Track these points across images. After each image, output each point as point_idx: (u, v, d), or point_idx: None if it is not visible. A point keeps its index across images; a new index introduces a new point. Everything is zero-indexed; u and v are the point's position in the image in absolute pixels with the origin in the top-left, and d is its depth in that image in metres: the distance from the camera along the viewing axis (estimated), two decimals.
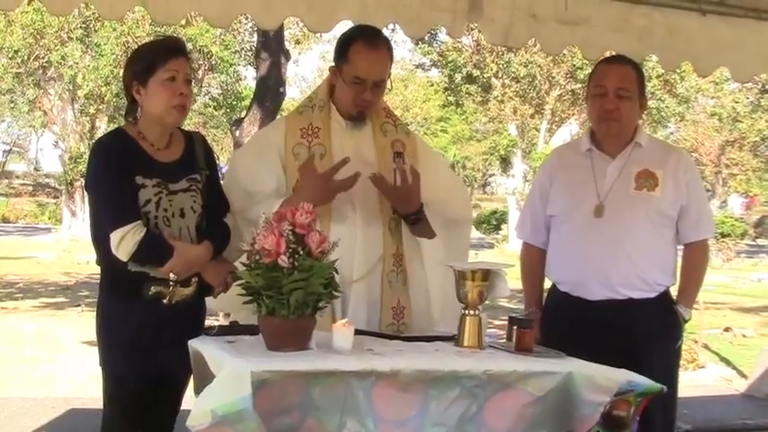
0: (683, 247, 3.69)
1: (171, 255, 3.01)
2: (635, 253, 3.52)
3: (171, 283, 3.06)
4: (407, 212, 3.32)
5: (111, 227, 2.98)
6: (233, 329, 2.96)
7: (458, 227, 3.57)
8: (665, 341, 3.58)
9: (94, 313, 3.22)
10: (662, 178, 3.55)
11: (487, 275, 2.94)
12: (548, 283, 3.80)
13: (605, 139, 3.63)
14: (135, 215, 2.99)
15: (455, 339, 2.97)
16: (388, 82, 3.36)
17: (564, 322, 3.51)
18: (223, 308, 3.33)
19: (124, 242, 2.96)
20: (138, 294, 3.05)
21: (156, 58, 3.06)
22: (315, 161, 3.24)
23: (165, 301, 3.07)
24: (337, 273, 2.72)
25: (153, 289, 3.05)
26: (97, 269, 3.19)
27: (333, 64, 3.37)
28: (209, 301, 3.26)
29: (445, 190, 3.53)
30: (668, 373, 3.55)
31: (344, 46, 3.32)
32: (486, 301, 3.02)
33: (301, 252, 2.61)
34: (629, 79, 3.57)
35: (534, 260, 3.80)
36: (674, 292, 3.67)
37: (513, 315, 3.14)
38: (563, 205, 3.69)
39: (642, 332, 3.51)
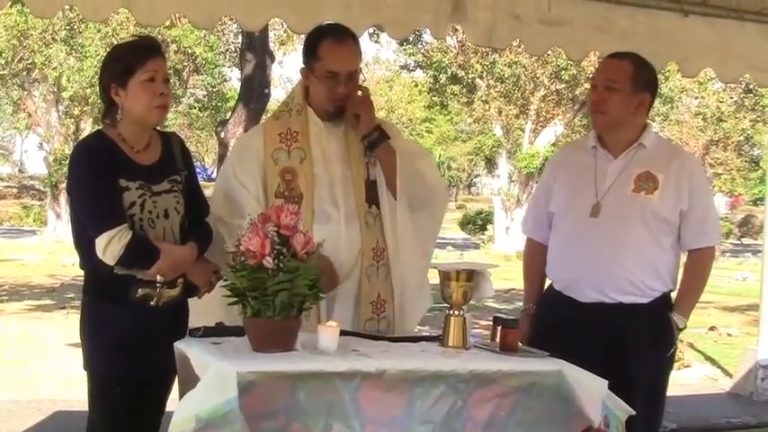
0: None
1: (158, 257, 3.01)
2: (627, 256, 3.47)
3: (158, 284, 3.05)
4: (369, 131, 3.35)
5: (97, 231, 2.97)
6: (219, 331, 2.96)
7: (428, 204, 3.52)
8: (655, 348, 3.51)
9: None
10: (663, 182, 3.49)
11: (472, 276, 2.96)
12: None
13: (605, 136, 3.60)
14: (120, 218, 2.98)
15: (440, 339, 2.98)
16: (361, 75, 3.39)
17: (554, 321, 3.49)
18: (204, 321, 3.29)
19: (111, 246, 2.95)
20: (124, 297, 3.04)
21: (134, 60, 3.06)
22: (295, 164, 3.30)
23: (152, 303, 3.06)
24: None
25: (140, 291, 3.05)
26: (82, 272, 3.17)
27: (303, 66, 3.41)
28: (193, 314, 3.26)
29: (412, 169, 3.47)
30: (656, 381, 3.53)
31: (313, 45, 3.37)
32: (472, 302, 3.03)
33: (286, 253, 2.62)
34: (620, 72, 3.52)
35: (534, 255, 3.77)
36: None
37: (498, 315, 3.15)
38: (562, 202, 3.66)
39: (630, 338, 3.46)
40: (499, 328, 2.97)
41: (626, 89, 3.51)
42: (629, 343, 3.46)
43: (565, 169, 3.73)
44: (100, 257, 2.98)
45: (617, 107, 3.51)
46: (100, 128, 3.21)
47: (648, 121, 3.70)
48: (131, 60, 3.06)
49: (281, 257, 2.61)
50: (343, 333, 2.81)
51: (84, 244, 3.03)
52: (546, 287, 3.75)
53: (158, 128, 3.24)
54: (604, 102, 3.51)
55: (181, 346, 2.88)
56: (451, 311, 2.95)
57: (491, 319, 3.09)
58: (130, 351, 3.03)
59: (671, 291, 3.57)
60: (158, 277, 3.04)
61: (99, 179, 3.01)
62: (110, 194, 3.00)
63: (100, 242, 2.96)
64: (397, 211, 3.36)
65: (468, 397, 2.72)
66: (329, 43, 3.34)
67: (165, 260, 3.02)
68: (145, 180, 3.07)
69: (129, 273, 3.02)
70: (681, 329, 3.55)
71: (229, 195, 3.36)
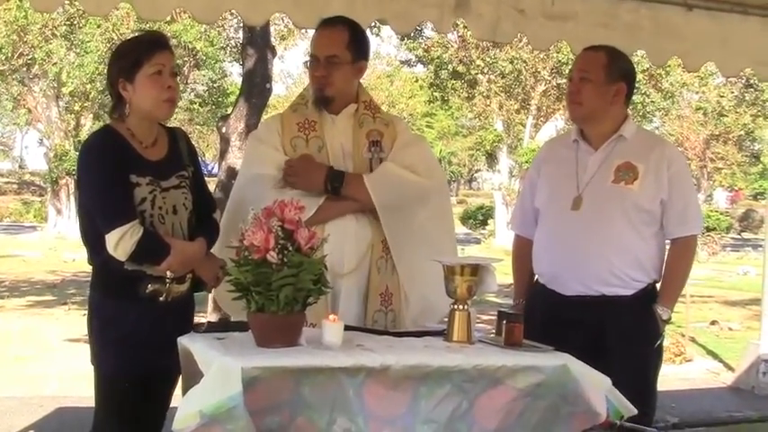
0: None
1: (168, 253, 3.01)
2: (608, 247, 3.48)
3: (167, 280, 3.05)
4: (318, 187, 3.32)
5: (108, 227, 2.95)
6: (222, 326, 2.96)
7: (427, 201, 3.48)
8: (639, 341, 3.50)
9: (82, 312, 3.20)
10: (642, 172, 3.50)
11: (476, 270, 2.94)
12: None
13: (584, 128, 3.62)
14: (131, 215, 2.98)
15: (444, 334, 2.97)
16: (360, 67, 3.41)
17: (539, 315, 3.47)
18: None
19: (123, 242, 2.94)
20: (134, 293, 3.03)
21: (142, 54, 3.05)
22: (313, 152, 3.34)
23: (161, 298, 3.06)
24: (327, 269, 2.71)
25: (150, 287, 3.04)
26: (84, 267, 3.17)
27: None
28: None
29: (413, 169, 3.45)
30: (641, 375, 3.50)
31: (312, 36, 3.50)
32: (474, 296, 3.02)
33: (290, 248, 2.61)
34: (594, 63, 3.55)
35: (523, 252, 3.79)
36: None
37: (502, 309, 3.14)
38: (545, 197, 3.69)
39: (613, 330, 3.47)
40: (504, 322, 2.96)
41: (599, 79, 3.52)
42: (613, 338, 3.46)
43: (548, 164, 3.75)
44: (111, 253, 2.97)
45: (591, 97, 3.53)
46: (108, 123, 3.19)
47: (633, 112, 3.69)
48: (138, 54, 3.05)
49: (286, 252, 2.60)
50: (347, 328, 2.80)
51: (94, 239, 3.02)
52: (534, 281, 3.77)
53: (163, 123, 3.23)
54: (579, 92, 3.55)
55: (184, 341, 2.86)
56: (456, 306, 2.94)
57: (492, 313, 3.08)
58: (138, 347, 3.02)
59: (655, 282, 3.57)
60: (168, 273, 3.04)
61: (110, 175, 3.00)
62: (121, 190, 2.99)
63: (111, 238, 2.95)
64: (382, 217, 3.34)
65: (474, 399, 2.70)
66: (316, 30, 3.46)
67: (176, 256, 3.02)
68: (154, 176, 3.07)
69: (138, 268, 3.02)
70: (665, 321, 3.54)
71: (262, 160, 3.39)
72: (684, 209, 3.56)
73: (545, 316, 3.45)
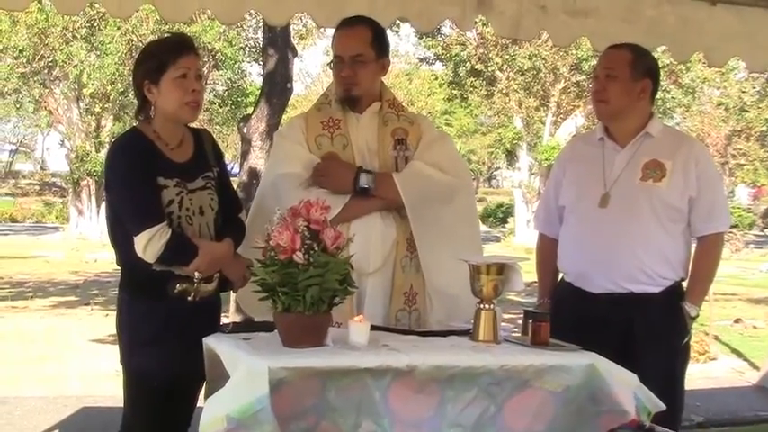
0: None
1: (196, 253, 3.02)
2: (637, 245, 3.47)
3: (195, 280, 3.06)
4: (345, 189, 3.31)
5: (137, 229, 2.97)
6: (248, 326, 2.96)
7: (451, 200, 3.45)
8: (667, 338, 3.51)
9: (105, 312, 3.22)
10: (670, 169, 3.50)
11: (502, 269, 2.93)
12: None
13: (610, 126, 3.61)
14: (160, 216, 2.99)
15: (470, 334, 2.95)
16: (383, 63, 3.42)
17: (566, 313, 3.45)
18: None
19: (151, 244, 2.96)
20: (162, 293, 3.05)
21: (167, 57, 3.06)
22: (338, 150, 3.35)
23: (189, 298, 3.07)
24: (353, 268, 2.71)
25: (178, 287, 3.05)
26: (106, 267, 3.21)
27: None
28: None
29: (440, 169, 3.43)
30: (669, 372, 3.50)
31: (332, 37, 3.49)
32: (500, 296, 3.00)
33: (316, 248, 2.61)
34: (617, 61, 3.55)
35: (547, 250, 3.79)
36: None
37: (528, 309, 3.13)
38: (572, 195, 3.68)
39: (640, 328, 3.47)
40: (530, 321, 2.94)
41: (625, 76, 3.53)
42: (641, 335, 3.46)
43: (573, 163, 3.75)
44: (140, 255, 2.98)
45: (618, 95, 3.53)
46: (135, 125, 3.20)
47: (654, 109, 3.68)
48: (164, 57, 3.06)
49: (312, 252, 2.59)
50: (372, 328, 2.79)
51: (123, 241, 3.04)
52: (559, 280, 3.77)
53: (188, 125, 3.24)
54: (605, 90, 3.55)
55: (210, 342, 2.86)
56: (482, 305, 2.92)
57: (513, 312, 3.06)
58: (167, 346, 3.04)
59: (682, 279, 3.57)
60: (196, 273, 3.05)
61: (138, 177, 3.01)
62: (149, 192, 3.01)
63: (140, 240, 2.96)
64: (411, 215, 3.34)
65: (502, 404, 2.68)
66: (337, 31, 3.46)
67: (204, 257, 3.03)
68: (181, 178, 3.09)
69: (167, 269, 3.03)
70: (693, 318, 3.54)
71: (287, 157, 3.39)
72: (712, 206, 3.56)
73: (572, 315, 3.43)
